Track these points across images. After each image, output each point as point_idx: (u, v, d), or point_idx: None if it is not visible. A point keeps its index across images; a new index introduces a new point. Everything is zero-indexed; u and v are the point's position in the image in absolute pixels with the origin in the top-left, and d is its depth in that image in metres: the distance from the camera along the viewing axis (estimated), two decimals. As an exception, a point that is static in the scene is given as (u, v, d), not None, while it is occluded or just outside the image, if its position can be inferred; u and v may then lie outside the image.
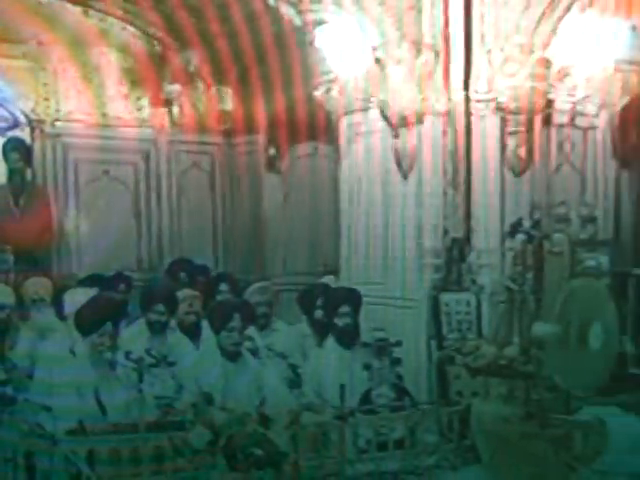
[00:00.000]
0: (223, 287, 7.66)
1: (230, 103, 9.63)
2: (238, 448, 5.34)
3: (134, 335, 6.69)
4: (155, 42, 9.43)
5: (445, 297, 6.88)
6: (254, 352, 6.61)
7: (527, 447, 5.17)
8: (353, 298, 6.80)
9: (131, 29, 9.36)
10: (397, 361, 6.32)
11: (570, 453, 5.08)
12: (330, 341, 6.74)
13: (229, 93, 9.58)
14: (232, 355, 6.33)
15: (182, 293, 7.09)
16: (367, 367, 6.30)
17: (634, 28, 7.14)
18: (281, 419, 5.66)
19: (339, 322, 6.67)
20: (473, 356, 5.86)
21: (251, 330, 6.84)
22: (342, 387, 5.69)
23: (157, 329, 6.68)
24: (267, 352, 6.73)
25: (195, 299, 7.12)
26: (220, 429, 5.40)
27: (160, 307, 6.69)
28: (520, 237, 5.98)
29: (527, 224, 6.09)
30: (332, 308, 6.75)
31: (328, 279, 7.95)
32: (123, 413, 5.70)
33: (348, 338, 6.65)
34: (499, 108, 6.99)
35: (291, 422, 5.64)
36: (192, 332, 6.88)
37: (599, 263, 6.44)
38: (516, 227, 6.09)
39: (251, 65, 9.06)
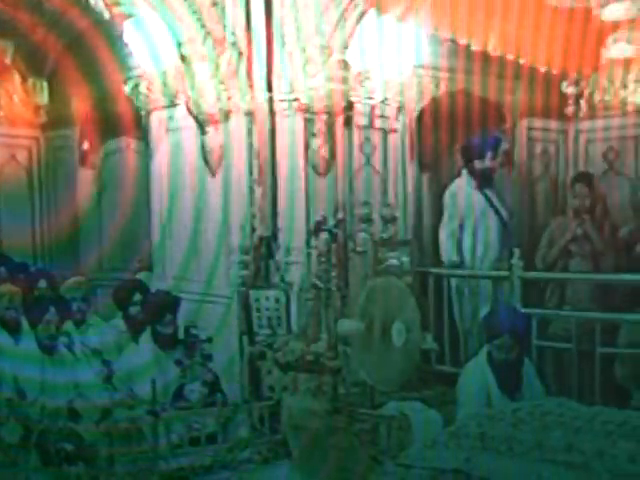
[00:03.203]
0: (42, 283, 7.41)
1: (46, 96, 9.25)
2: (50, 443, 5.21)
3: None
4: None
5: (255, 294, 6.72)
6: (70, 347, 6.47)
7: (335, 441, 5.17)
8: (175, 304, 6.63)
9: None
10: (209, 357, 6.27)
11: (375, 447, 5.11)
12: (144, 337, 6.58)
13: (44, 86, 9.19)
14: (48, 349, 6.19)
15: (1, 289, 6.79)
16: (179, 363, 6.23)
17: (430, 35, 7.19)
18: (92, 414, 5.62)
19: (162, 330, 6.49)
20: (282, 352, 5.84)
21: (68, 326, 6.70)
22: (154, 383, 5.59)
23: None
24: (82, 347, 6.58)
25: (15, 295, 6.78)
26: (32, 424, 5.28)
27: None
28: (324, 236, 5.96)
29: (330, 223, 6.08)
30: (154, 315, 6.56)
31: (143, 275, 7.82)
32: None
33: (168, 342, 6.49)
34: (301, 108, 6.89)
35: (102, 417, 5.60)
36: (12, 328, 6.60)
37: (400, 262, 6.49)
38: (320, 226, 6.07)
39: (64, 58, 8.74)
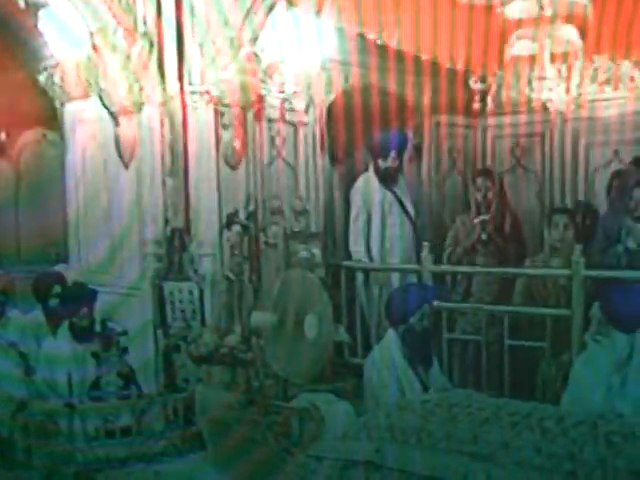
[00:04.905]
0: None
1: (-36, 86, 9.05)
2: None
3: None
4: None
5: (169, 286, 6.68)
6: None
7: (248, 433, 5.15)
8: (91, 296, 6.56)
9: None
10: (124, 350, 6.21)
11: (288, 439, 5.10)
12: (62, 330, 6.52)
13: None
14: None
15: None
16: (95, 356, 6.17)
17: (339, 28, 7.17)
18: (8, 407, 5.56)
19: (78, 322, 6.44)
20: (196, 344, 5.81)
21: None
22: (69, 375, 5.65)
23: None
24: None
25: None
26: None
27: None
28: (236, 228, 5.93)
29: (242, 216, 6.04)
30: (71, 307, 6.51)
31: (60, 267, 7.71)
32: None
33: (84, 335, 6.42)
34: (212, 101, 6.80)
35: (18, 410, 5.54)
36: None
37: (312, 255, 6.51)
38: (232, 218, 6.04)
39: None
